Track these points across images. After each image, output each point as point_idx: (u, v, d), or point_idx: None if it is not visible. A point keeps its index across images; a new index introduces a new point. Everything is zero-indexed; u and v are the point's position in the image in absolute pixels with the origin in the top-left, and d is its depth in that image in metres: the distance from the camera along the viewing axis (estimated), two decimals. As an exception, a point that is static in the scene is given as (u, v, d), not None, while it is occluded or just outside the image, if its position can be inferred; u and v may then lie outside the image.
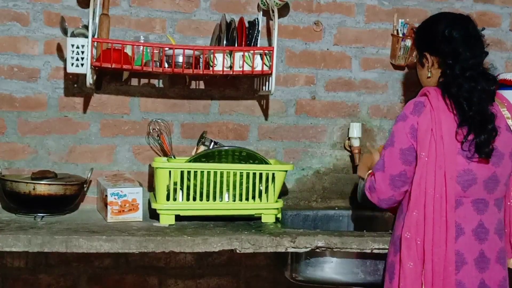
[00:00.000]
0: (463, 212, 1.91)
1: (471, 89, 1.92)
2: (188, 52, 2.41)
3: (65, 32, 2.40)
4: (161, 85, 2.67)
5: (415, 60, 2.22)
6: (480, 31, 2.04)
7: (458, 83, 1.93)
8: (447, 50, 1.98)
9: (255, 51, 2.47)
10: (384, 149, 2.01)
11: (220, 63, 2.45)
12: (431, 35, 2.03)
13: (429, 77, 2.04)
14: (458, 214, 1.90)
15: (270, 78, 2.49)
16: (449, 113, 1.91)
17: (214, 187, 2.30)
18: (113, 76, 2.61)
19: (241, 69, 2.46)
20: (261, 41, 2.60)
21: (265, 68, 2.48)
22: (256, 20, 2.58)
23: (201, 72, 2.46)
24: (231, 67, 2.47)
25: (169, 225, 2.28)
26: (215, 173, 2.30)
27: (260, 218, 2.38)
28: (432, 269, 1.86)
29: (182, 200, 2.31)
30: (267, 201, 2.37)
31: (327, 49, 2.80)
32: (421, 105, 1.93)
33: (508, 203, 2.04)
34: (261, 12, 2.66)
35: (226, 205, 2.34)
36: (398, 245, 1.94)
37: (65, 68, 2.48)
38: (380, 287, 2.10)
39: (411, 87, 2.81)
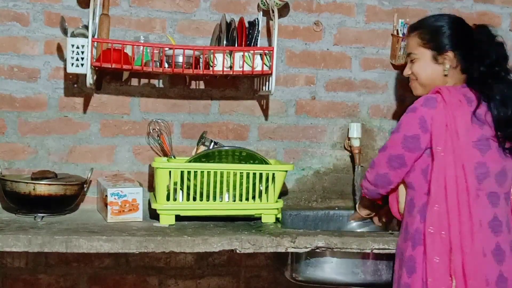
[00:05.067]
0: (480, 205, 1.95)
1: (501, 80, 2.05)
2: (188, 52, 2.41)
3: (65, 32, 2.40)
4: (161, 85, 2.67)
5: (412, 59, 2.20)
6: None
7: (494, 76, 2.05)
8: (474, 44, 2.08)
9: (255, 51, 2.47)
10: (391, 135, 2.09)
11: (220, 63, 2.45)
12: (459, 31, 2.10)
13: (446, 75, 2.08)
14: (476, 207, 1.94)
15: (270, 78, 2.49)
16: (464, 108, 1.96)
17: (214, 187, 2.30)
18: (113, 76, 2.61)
19: (241, 69, 2.46)
20: (261, 41, 2.60)
21: (265, 68, 2.48)
22: (256, 20, 2.58)
23: (201, 72, 2.46)
24: (231, 67, 2.47)
25: (169, 225, 2.28)
26: (215, 173, 2.30)
27: (260, 218, 2.38)
28: (463, 261, 1.88)
29: (182, 200, 2.31)
30: (267, 201, 2.37)
31: (327, 49, 2.79)
32: (433, 100, 1.98)
33: None
34: (261, 12, 2.66)
35: (226, 205, 2.34)
36: (417, 239, 1.96)
37: (65, 68, 2.48)
38: (382, 287, 2.10)
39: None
